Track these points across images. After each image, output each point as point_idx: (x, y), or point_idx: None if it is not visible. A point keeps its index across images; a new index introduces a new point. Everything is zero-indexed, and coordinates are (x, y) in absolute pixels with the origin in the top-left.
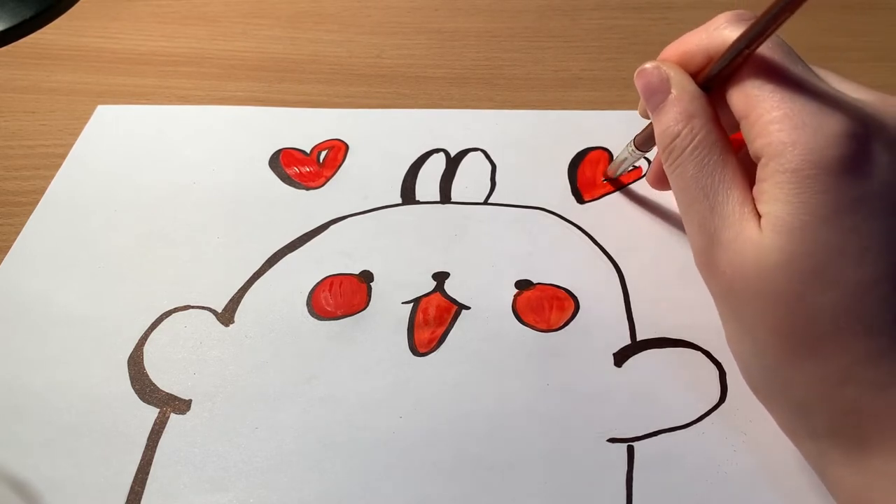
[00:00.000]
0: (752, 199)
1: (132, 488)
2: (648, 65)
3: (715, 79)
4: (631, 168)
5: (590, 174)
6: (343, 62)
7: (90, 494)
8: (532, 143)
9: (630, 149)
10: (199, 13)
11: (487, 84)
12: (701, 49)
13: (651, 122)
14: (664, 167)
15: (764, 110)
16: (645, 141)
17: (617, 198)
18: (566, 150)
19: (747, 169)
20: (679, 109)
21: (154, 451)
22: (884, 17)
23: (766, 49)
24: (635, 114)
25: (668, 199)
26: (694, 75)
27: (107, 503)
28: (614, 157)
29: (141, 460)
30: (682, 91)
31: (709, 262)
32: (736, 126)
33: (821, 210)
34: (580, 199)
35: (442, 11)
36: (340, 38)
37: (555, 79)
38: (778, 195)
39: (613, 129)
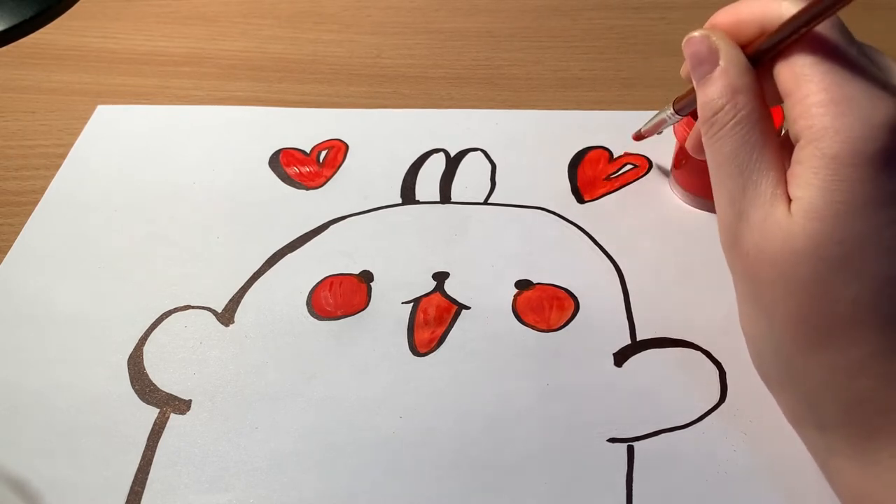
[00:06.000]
0: (786, 182)
1: (132, 488)
2: (697, 33)
3: (766, 53)
4: (661, 131)
5: (590, 174)
6: (343, 62)
7: (90, 494)
8: (532, 143)
9: (669, 112)
10: (199, 13)
11: (487, 84)
12: (755, 19)
13: (693, 87)
14: (703, 139)
15: (810, 91)
16: (685, 106)
17: (617, 198)
18: (566, 150)
19: (787, 150)
20: (725, 83)
21: (154, 451)
22: (885, 16)
23: (821, 26)
24: (635, 114)
25: (668, 199)
26: (744, 46)
27: (107, 503)
28: (652, 118)
29: (141, 460)
30: (730, 64)
31: (734, 240)
32: (778, 100)
33: (856, 200)
34: (580, 199)
35: (442, 11)
36: (340, 38)
37: (555, 79)
38: (812, 180)
39: (613, 129)
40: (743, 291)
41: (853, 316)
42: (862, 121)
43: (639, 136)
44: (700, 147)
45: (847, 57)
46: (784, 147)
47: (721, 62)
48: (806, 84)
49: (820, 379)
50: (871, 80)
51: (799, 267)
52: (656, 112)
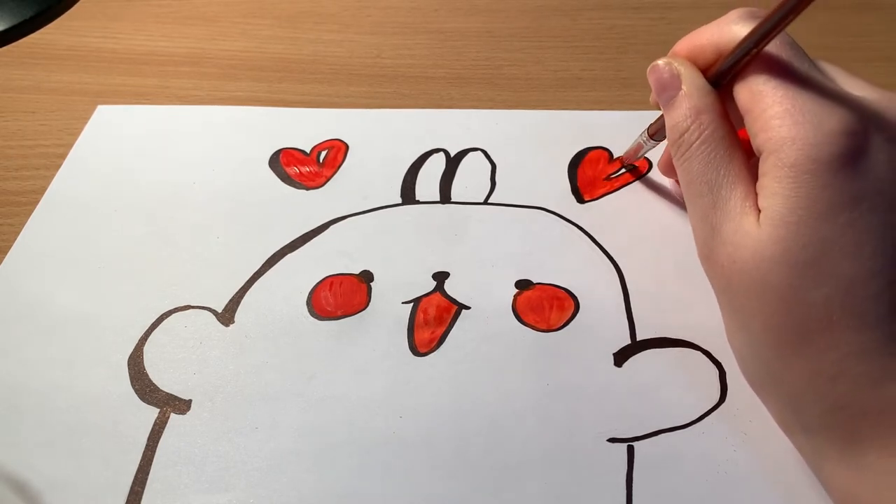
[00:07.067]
0: (755, 194)
1: (132, 488)
2: (660, 61)
3: (724, 75)
4: (641, 156)
5: (590, 174)
6: (343, 62)
7: (90, 494)
8: (532, 143)
9: (644, 137)
10: (199, 13)
11: (487, 84)
12: (712, 44)
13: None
14: (673, 161)
15: (767, 105)
16: (658, 131)
17: (617, 198)
18: (566, 150)
19: (756, 165)
20: (688, 105)
21: (154, 451)
22: (884, 16)
23: (773, 46)
24: (635, 114)
25: (667, 199)
26: (704, 70)
27: (107, 503)
28: (630, 144)
29: (141, 460)
30: (692, 87)
31: (709, 255)
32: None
33: (817, 205)
34: (580, 199)
35: (442, 11)
36: (340, 38)
37: (555, 79)
38: (776, 189)
39: (613, 129)
40: (723, 303)
41: (826, 319)
42: (816, 128)
43: (622, 163)
44: (670, 166)
45: (799, 71)
46: (753, 161)
47: (683, 86)
48: (763, 99)
49: (801, 384)
50: (824, 91)
51: (770, 274)
52: (635, 139)
